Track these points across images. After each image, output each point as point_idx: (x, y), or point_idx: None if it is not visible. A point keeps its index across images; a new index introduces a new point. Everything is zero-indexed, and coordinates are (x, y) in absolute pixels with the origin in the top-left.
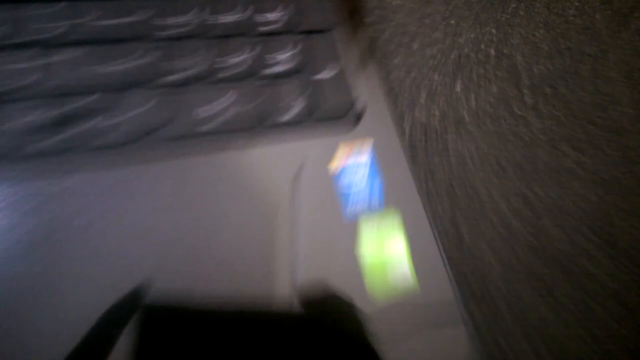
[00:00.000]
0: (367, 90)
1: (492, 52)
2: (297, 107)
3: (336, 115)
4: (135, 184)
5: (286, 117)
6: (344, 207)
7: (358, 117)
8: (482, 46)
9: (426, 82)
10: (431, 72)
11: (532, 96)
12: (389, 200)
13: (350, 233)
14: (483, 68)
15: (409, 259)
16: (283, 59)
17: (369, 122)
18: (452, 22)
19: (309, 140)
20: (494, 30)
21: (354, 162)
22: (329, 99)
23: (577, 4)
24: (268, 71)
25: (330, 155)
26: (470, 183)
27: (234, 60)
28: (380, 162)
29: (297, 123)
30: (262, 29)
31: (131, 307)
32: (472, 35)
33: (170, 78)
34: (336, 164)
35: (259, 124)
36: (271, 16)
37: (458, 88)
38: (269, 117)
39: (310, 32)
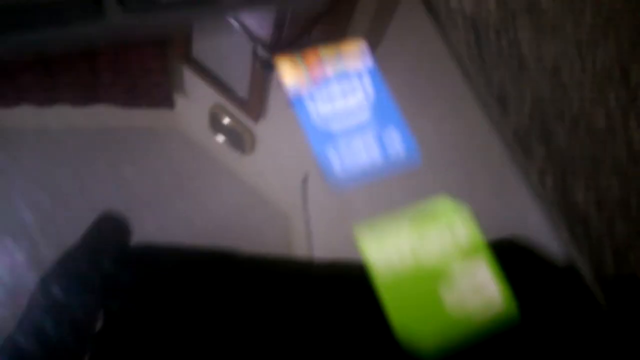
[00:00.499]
0: None
1: None
2: None
3: None
4: None
5: None
6: (326, 163)
7: None
8: None
9: None
10: None
11: None
12: (426, 151)
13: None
14: None
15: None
16: None
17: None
18: None
19: None
20: None
21: (338, 73)
22: None
23: None
24: None
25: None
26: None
27: None
28: (392, 75)
29: None
30: None
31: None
32: None
33: None
34: (302, 78)
35: None
36: None
37: None
38: None
39: None
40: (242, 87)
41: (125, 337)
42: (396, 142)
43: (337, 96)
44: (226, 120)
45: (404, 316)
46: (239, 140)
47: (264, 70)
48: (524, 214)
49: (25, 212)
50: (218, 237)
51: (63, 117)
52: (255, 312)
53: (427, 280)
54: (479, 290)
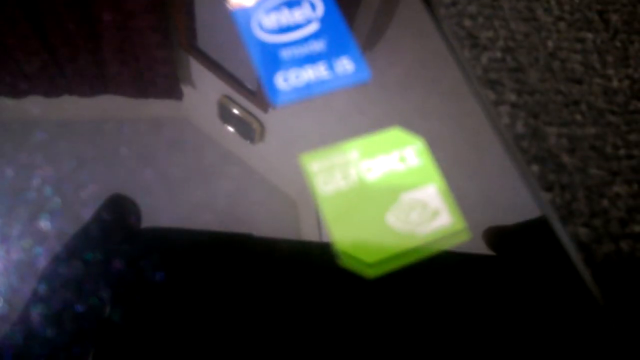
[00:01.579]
0: None
1: None
2: None
3: None
4: None
5: None
6: (268, 78)
7: None
8: None
9: None
10: None
11: None
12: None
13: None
14: None
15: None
16: None
17: None
18: None
19: None
20: None
21: None
22: None
23: None
24: None
25: None
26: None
27: None
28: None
29: None
30: None
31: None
32: None
33: None
34: None
35: None
36: None
37: None
38: None
39: None
40: (250, 79)
41: (133, 320)
42: (345, 61)
43: (283, 9)
44: (235, 111)
45: (346, 238)
46: (249, 130)
47: None
48: (488, 150)
49: (31, 204)
50: (228, 225)
51: (70, 108)
52: (265, 298)
53: (373, 204)
54: (427, 214)
